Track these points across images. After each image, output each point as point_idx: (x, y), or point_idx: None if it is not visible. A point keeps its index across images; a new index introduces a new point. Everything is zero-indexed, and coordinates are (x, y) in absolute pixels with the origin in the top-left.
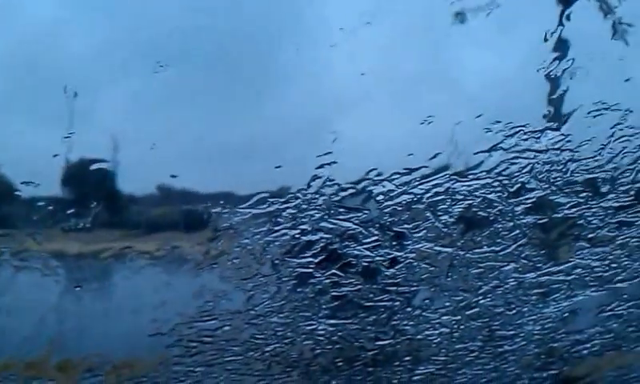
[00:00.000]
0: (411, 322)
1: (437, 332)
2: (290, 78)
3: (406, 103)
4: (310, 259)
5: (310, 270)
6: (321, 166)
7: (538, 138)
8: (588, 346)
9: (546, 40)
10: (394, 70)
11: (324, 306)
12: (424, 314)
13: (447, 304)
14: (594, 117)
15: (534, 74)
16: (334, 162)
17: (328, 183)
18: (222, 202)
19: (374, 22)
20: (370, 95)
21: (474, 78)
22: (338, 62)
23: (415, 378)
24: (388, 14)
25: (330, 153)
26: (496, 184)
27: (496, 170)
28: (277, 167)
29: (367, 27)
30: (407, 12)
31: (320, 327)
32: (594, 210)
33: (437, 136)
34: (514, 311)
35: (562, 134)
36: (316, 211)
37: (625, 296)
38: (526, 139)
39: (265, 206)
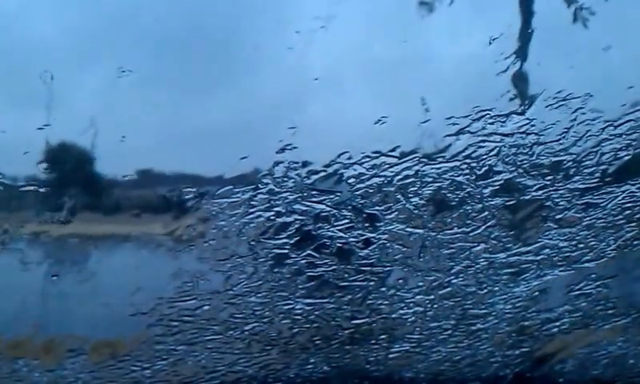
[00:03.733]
0: (386, 302)
1: (411, 311)
2: (251, 73)
3: (364, 99)
4: (286, 240)
5: (286, 251)
6: (282, 151)
7: (504, 121)
8: (557, 324)
9: (490, 44)
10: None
11: (300, 286)
12: (398, 293)
13: (420, 284)
14: (557, 101)
15: (499, 60)
16: (295, 148)
17: (293, 166)
18: (197, 186)
19: (328, 26)
20: (331, 89)
21: (436, 66)
22: (295, 63)
23: (391, 355)
24: (342, 18)
25: (290, 144)
26: (464, 167)
27: (464, 153)
28: (242, 158)
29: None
30: (361, 14)
31: (297, 306)
32: (560, 191)
33: (399, 125)
34: (486, 291)
35: (527, 118)
36: (289, 194)
37: (592, 275)
38: (492, 123)
39: (238, 193)
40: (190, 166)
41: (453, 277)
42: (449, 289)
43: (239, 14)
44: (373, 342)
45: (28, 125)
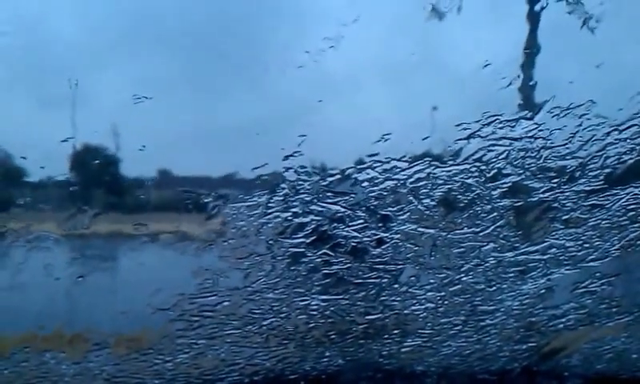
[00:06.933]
0: (398, 298)
1: (423, 307)
2: (265, 87)
3: (375, 108)
4: (302, 240)
5: (302, 250)
6: (288, 157)
7: (513, 126)
8: (563, 320)
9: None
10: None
11: (316, 283)
12: (410, 290)
13: (432, 281)
14: (563, 109)
15: (508, 66)
16: (302, 154)
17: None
18: (218, 188)
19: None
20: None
21: (445, 78)
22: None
23: (403, 349)
24: (350, 39)
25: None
26: (474, 170)
27: (474, 157)
28: (254, 168)
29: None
30: (369, 37)
31: (313, 303)
32: (566, 193)
33: (411, 130)
34: (494, 288)
35: (536, 123)
36: (305, 195)
37: (597, 274)
38: (501, 128)
39: (255, 195)
40: (210, 169)
41: (463, 274)
42: (459, 286)
43: (256, 33)
44: (386, 336)
45: (52, 125)
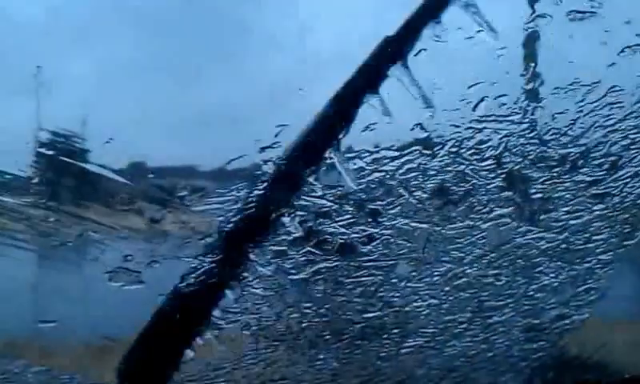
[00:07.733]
0: (398, 295)
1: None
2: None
3: None
4: (284, 237)
5: (285, 248)
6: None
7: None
8: (575, 317)
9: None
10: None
11: (303, 282)
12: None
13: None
14: (566, 91)
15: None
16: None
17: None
18: (194, 178)
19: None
20: None
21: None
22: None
23: (403, 351)
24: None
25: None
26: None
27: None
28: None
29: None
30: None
31: (304, 301)
32: (566, 184)
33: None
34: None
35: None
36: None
37: (606, 268)
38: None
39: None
40: (184, 159)
41: (467, 267)
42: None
43: (232, 9)
44: (385, 336)
45: (15, 114)
